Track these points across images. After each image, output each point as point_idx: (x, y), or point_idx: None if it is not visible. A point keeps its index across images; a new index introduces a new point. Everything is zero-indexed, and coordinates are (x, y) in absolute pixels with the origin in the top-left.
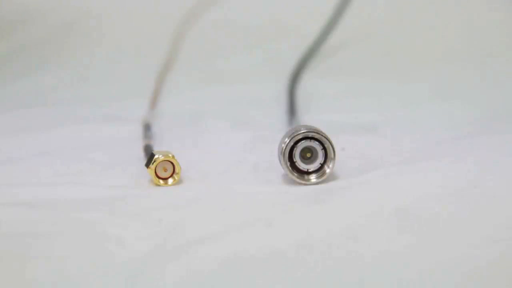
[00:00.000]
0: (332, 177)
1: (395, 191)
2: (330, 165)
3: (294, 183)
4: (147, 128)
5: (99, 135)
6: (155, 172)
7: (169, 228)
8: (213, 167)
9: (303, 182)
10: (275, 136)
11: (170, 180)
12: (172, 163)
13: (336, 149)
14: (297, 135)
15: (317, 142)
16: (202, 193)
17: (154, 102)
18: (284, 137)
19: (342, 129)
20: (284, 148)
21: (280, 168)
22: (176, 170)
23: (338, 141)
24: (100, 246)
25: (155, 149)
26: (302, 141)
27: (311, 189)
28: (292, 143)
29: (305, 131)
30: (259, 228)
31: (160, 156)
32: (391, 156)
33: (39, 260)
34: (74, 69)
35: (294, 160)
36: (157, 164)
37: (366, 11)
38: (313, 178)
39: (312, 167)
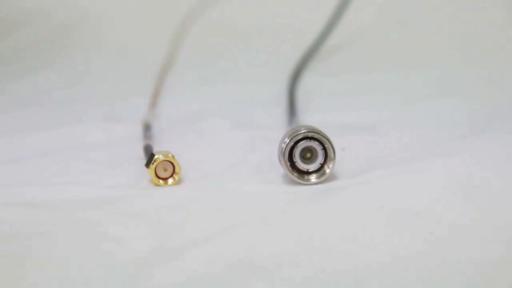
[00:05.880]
0: (332, 177)
1: (395, 191)
2: (330, 165)
3: (294, 183)
4: (147, 128)
5: (99, 135)
6: (155, 172)
7: (169, 228)
8: (213, 167)
9: (303, 182)
10: (275, 136)
11: (170, 180)
12: (172, 163)
13: (336, 149)
14: (297, 135)
15: (317, 142)
16: (202, 193)
17: (154, 102)
18: (284, 137)
19: (342, 129)
20: (284, 148)
21: (280, 168)
22: (176, 170)
23: (338, 141)
24: (100, 246)
25: (155, 149)
26: (302, 141)
27: (311, 189)
28: (292, 143)
29: (305, 131)
30: (259, 228)
31: (160, 156)
32: (391, 156)
33: (39, 260)
34: (74, 69)
35: (294, 160)
36: (157, 164)
37: (366, 10)
38: (313, 178)
39: (312, 167)
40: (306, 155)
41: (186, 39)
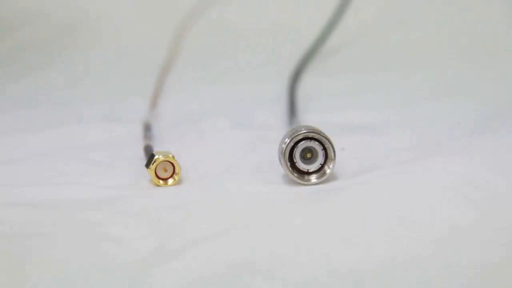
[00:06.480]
0: (333, 177)
1: (395, 191)
2: (331, 166)
3: (294, 183)
4: (147, 128)
5: (99, 135)
6: (155, 173)
7: (169, 228)
8: (213, 167)
9: (303, 182)
10: (275, 136)
11: (170, 181)
12: (172, 163)
13: (336, 150)
14: (297, 135)
15: (317, 143)
16: (202, 193)
17: (154, 102)
18: (284, 137)
19: (342, 129)
20: (284, 148)
21: (280, 168)
22: (176, 171)
23: (338, 141)
24: (100, 246)
25: (155, 149)
26: (303, 142)
27: (311, 190)
28: (292, 144)
29: (305, 131)
30: (259, 228)
31: (160, 156)
32: (391, 156)
33: (39, 260)
34: (74, 69)
35: (294, 161)
36: (157, 164)
37: (366, 10)
38: (313, 178)
39: (312, 167)
40: (306, 155)
41: (186, 39)
